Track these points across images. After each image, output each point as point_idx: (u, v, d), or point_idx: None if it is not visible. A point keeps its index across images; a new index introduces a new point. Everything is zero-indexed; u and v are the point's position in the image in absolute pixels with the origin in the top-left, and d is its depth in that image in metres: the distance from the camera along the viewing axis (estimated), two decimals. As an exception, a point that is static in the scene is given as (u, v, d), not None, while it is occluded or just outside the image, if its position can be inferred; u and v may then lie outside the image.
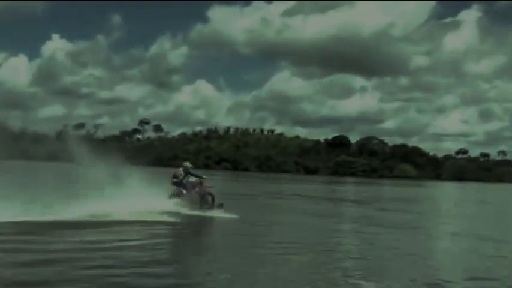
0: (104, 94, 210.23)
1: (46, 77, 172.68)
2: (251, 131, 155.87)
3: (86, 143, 18.17)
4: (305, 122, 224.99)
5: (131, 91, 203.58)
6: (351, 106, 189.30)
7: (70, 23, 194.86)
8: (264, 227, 16.09)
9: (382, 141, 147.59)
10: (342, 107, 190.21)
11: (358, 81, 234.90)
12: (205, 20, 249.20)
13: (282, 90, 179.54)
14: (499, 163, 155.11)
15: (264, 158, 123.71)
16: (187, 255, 10.93)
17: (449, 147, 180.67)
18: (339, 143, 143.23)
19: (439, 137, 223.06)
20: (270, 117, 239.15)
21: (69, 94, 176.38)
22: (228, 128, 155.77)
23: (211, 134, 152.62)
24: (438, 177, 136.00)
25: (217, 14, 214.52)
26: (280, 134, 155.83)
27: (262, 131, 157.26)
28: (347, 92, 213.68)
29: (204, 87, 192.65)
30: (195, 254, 10.95)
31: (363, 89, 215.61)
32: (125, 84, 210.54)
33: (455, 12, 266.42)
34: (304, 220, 18.82)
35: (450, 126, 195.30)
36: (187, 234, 14.32)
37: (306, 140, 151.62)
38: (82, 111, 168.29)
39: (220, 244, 12.82)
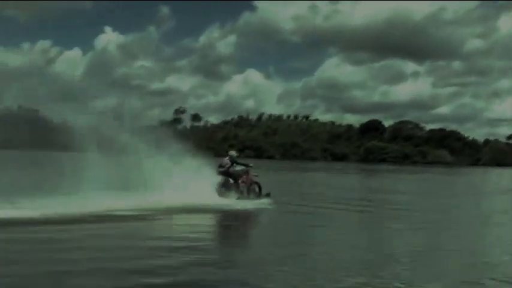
0: (155, 85, 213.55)
1: (99, 69, 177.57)
2: (285, 117, 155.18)
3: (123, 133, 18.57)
4: (356, 109, 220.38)
5: (182, 82, 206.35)
6: (403, 92, 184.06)
7: (122, 15, 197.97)
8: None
9: (417, 126, 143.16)
10: (393, 93, 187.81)
11: (410, 66, 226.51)
12: (252, 8, 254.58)
13: (332, 77, 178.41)
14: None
15: (289, 145, 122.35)
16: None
17: (505, 132, 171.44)
18: (373, 128, 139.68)
19: (495, 122, 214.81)
20: (320, 105, 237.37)
21: (121, 86, 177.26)
22: (261, 115, 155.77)
23: (243, 121, 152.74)
24: (476, 162, 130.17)
25: (264, 2, 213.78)
26: (315, 120, 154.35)
27: (296, 117, 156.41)
28: (399, 77, 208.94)
29: (254, 76, 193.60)
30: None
31: (415, 74, 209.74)
32: (176, 75, 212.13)
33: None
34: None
35: (506, 110, 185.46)
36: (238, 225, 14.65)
37: (339, 125, 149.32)
38: (134, 102, 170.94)
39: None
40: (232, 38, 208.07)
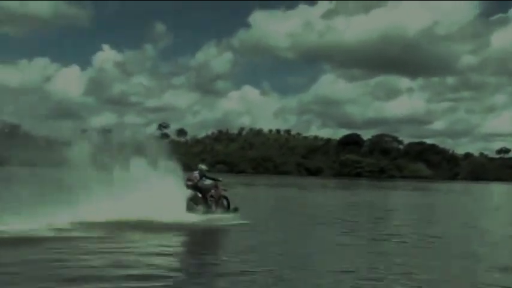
0: (152, 102, 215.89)
1: (97, 86, 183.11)
2: (266, 131, 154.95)
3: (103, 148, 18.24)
4: (351, 125, 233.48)
5: (178, 99, 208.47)
6: (397, 108, 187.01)
7: (119, 33, 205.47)
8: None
9: (396, 139, 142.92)
10: (388, 108, 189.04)
11: (404, 82, 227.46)
12: (247, 25, 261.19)
13: (327, 93, 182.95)
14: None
15: (261, 159, 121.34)
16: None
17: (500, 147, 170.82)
18: (351, 142, 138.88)
19: (490, 137, 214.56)
20: (316, 120, 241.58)
21: (119, 103, 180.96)
22: (241, 130, 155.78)
23: (222, 135, 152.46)
24: (454, 176, 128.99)
25: (259, 19, 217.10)
26: (298, 134, 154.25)
27: (278, 131, 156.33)
28: (393, 93, 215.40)
29: (250, 92, 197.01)
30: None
31: (410, 90, 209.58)
32: (172, 92, 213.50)
33: (504, 9, 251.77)
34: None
35: (501, 126, 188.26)
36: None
37: (321, 139, 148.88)
38: (131, 119, 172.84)
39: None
40: (228, 55, 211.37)
